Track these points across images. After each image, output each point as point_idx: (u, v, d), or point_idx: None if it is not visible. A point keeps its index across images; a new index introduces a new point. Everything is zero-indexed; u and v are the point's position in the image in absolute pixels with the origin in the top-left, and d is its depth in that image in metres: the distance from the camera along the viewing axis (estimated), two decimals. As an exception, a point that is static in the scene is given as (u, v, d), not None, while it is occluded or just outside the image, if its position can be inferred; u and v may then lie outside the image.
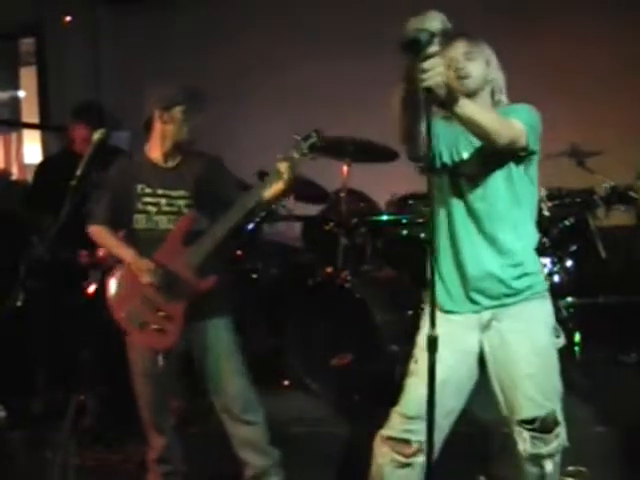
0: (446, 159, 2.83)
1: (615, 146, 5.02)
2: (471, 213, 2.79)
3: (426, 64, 2.32)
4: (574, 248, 4.98)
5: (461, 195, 2.80)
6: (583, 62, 6.08)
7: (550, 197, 4.93)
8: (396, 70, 2.47)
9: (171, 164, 3.51)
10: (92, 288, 4.37)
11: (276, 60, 6.93)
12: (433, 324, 2.39)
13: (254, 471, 3.54)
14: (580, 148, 5.06)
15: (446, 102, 2.46)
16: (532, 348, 2.76)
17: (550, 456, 2.77)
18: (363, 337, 4.48)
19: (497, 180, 2.76)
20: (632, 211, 4.90)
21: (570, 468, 3.51)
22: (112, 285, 3.54)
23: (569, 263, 4.94)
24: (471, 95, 2.76)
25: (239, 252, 5.10)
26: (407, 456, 2.83)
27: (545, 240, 4.88)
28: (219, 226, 3.36)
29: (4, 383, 4.27)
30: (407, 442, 2.82)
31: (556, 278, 4.87)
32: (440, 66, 2.35)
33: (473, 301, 2.80)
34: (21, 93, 8.00)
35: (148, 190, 3.47)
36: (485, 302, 2.80)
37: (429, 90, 2.34)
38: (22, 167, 7.93)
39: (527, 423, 2.75)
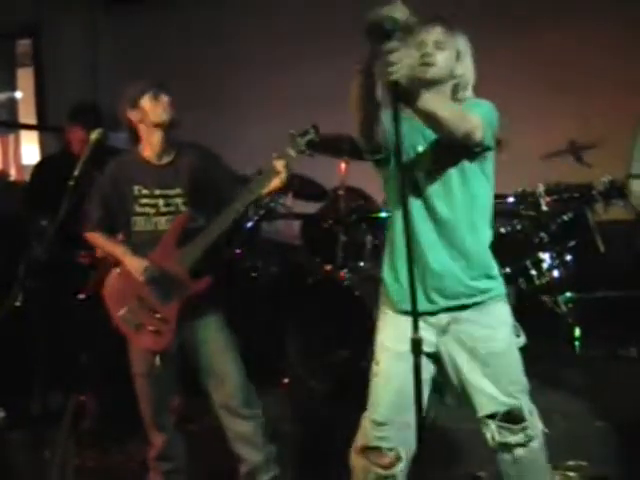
0: (404, 155, 2.68)
1: (613, 140, 5.00)
2: (428, 211, 2.73)
3: (392, 57, 2.27)
4: (573, 243, 4.98)
5: (418, 192, 2.73)
6: (581, 58, 6.08)
7: (548, 192, 4.94)
8: (357, 62, 2.44)
9: (166, 160, 3.49)
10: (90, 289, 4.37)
11: (275, 59, 6.93)
12: (416, 327, 2.35)
13: (249, 467, 3.54)
14: (578, 143, 5.05)
15: (408, 96, 2.41)
16: (490, 350, 2.73)
17: (520, 445, 2.75)
18: (362, 334, 4.48)
19: (452, 177, 2.70)
20: (630, 206, 4.90)
21: (570, 462, 3.52)
22: (108, 286, 3.54)
23: (568, 258, 4.94)
24: (430, 84, 2.68)
25: (238, 250, 5.10)
26: (386, 467, 2.78)
27: (544, 235, 4.89)
28: (213, 226, 3.36)
29: (3, 383, 4.26)
30: (380, 450, 2.78)
31: (555, 273, 4.88)
32: (406, 59, 2.30)
33: (430, 300, 2.74)
34: (18, 94, 7.99)
35: (145, 191, 3.45)
36: (442, 302, 2.74)
37: (395, 84, 2.30)
38: (20, 168, 7.92)
39: (489, 418, 2.75)
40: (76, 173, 3.33)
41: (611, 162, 5.05)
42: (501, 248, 4.71)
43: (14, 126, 8.07)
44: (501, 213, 4.99)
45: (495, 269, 2.83)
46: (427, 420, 2.81)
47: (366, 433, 2.82)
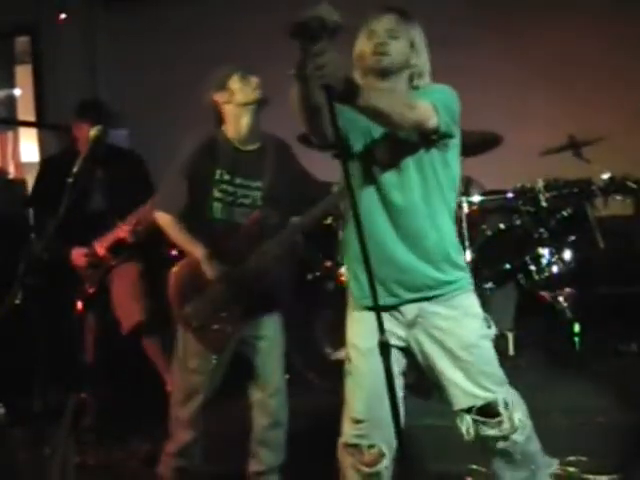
0: (359, 146, 2.72)
1: (612, 136, 5.00)
2: (386, 202, 2.68)
3: (320, 60, 2.25)
4: (572, 238, 4.97)
5: (375, 183, 2.69)
6: (580, 54, 6.07)
7: (548, 188, 4.93)
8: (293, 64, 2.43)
9: (251, 147, 3.42)
10: (92, 288, 4.37)
11: (275, 57, 6.89)
12: (381, 330, 2.33)
13: (261, 467, 3.56)
14: (577, 138, 5.05)
15: (345, 97, 2.37)
16: (460, 342, 2.69)
17: (500, 438, 2.71)
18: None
19: (409, 167, 2.66)
20: (631, 200, 4.90)
21: (571, 458, 3.52)
22: (176, 278, 3.45)
23: (568, 254, 4.93)
24: (385, 74, 2.66)
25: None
26: (368, 465, 2.77)
27: (543, 231, 4.89)
28: (288, 233, 3.35)
29: (4, 381, 4.26)
30: (359, 447, 2.77)
31: (555, 269, 4.87)
32: (335, 61, 2.28)
33: (393, 294, 2.71)
34: (17, 91, 7.98)
35: (227, 177, 3.38)
36: (405, 295, 2.71)
37: (327, 87, 2.28)
38: (18, 165, 7.91)
39: (465, 412, 2.72)
40: (75, 170, 3.33)
41: (610, 158, 5.05)
42: (500, 244, 4.78)
43: (13, 123, 8.07)
44: (500, 209, 4.99)
45: (460, 259, 2.79)
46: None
47: (346, 431, 2.82)
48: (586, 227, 4.96)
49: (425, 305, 2.72)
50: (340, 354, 4.57)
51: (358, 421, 2.78)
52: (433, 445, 3.66)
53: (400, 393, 2.74)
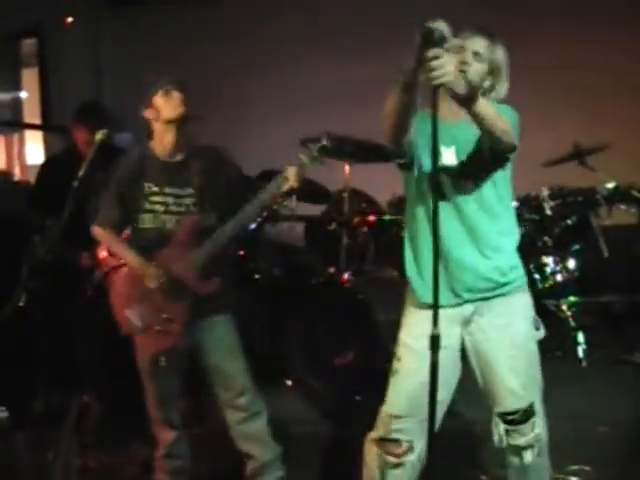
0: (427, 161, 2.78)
1: (617, 145, 5.00)
2: (453, 206, 2.79)
3: (438, 62, 2.34)
4: (577, 247, 4.97)
5: (442, 189, 2.77)
6: (584, 60, 6.07)
7: (552, 196, 4.93)
8: (397, 69, 2.47)
9: (178, 158, 3.49)
10: (92, 290, 4.37)
11: (276, 59, 6.93)
12: (435, 323, 2.39)
13: (256, 464, 3.54)
14: (582, 147, 5.05)
15: (465, 98, 2.47)
16: (512, 342, 2.79)
17: (528, 447, 2.80)
18: (365, 337, 4.47)
19: (479, 175, 2.77)
20: (635, 210, 4.89)
21: (573, 467, 3.52)
22: (115, 286, 3.56)
23: (572, 262, 4.93)
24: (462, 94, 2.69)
25: (241, 252, 5.09)
26: (398, 456, 2.85)
27: (547, 239, 4.88)
28: (223, 230, 3.36)
29: (6, 384, 4.26)
30: (397, 442, 2.84)
31: (559, 277, 4.87)
32: (449, 64, 2.38)
33: (455, 294, 2.81)
34: (23, 94, 8.01)
35: (155, 189, 3.45)
36: (467, 295, 2.81)
37: (438, 87, 2.36)
38: (24, 168, 7.94)
39: (508, 415, 2.79)
40: (80, 174, 3.34)
41: (615, 166, 5.05)
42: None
43: (18, 126, 8.09)
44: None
45: (517, 259, 2.90)
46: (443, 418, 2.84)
47: (383, 426, 2.87)
48: (590, 236, 4.96)
49: (480, 304, 2.82)
50: (342, 359, 4.58)
51: (398, 416, 2.84)
52: (443, 452, 3.66)
53: (449, 395, 2.87)
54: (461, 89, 2.43)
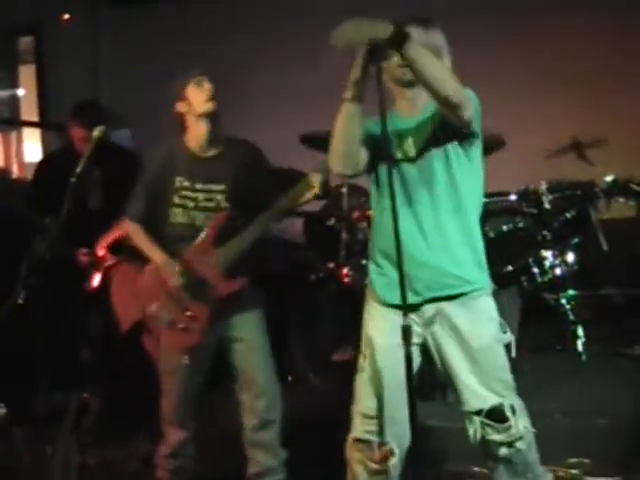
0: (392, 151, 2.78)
1: (616, 138, 5.00)
2: (410, 200, 2.75)
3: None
4: (575, 241, 4.97)
5: (402, 182, 2.76)
6: (581, 54, 6.06)
7: (551, 190, 4.92)
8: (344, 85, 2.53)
9: (212, 153, 3.46)
10: (92, 286, 4.36)
11: (277, 59, 6.92)
12: (405, 313, 2.44)
13: (259, 469, 3.54)
14: (580, 141, 5.04)
15: (395, 42, 2.50)
16: (476, 345, 2.73)
17: (505, 444, 2.74)
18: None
19: (433, 164, 2.74)
20: (634, 203, 4.89)
21: (572, 460, 3.52)
22: (140, 282, 3.54)
23: (570, 256, 4.93)
24: (412, 85, 2.76)
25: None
26: (377, 462, 2.80)
27: (546, 233, 4.88)
28: (250, 231, 3.35)
29: (6, 381, 4.27)
30: (370, 444, 2.81)
31: (558, 271, 4.87)
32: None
33: (415, 292, 2.73)
34: (20, 91, 7.99)
35: (186, 184, 3.43)
36: (427, 293, 2.75)
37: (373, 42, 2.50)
38: (22, 165, 7.92)
39: (474, 414, 2.76)
40: (78, 170, 3.33)
41: (614, 160, 5.05)
42: (503, 246, 4.76)
43: (16, 123, 8.07)
44: (503, 211, 4.97)
45: (482, 260, 2.83)
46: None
47: (356, 426, 2.85)
48: (589, 229, 4.96)
49: (443, 305, 2.76)
50: (342, 355, 4.59)
51: (370, 417, 2.81)
52: (434, 446, 3.65)
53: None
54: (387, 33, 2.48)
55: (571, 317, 4.89)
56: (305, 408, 4.33)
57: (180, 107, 3.42)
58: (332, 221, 5.11)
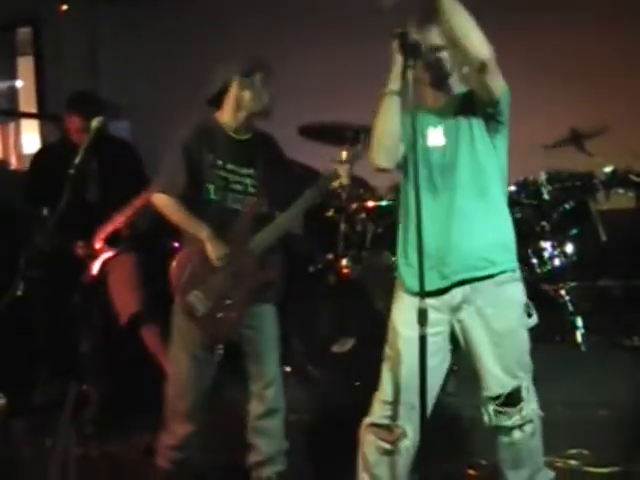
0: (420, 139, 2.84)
1: (615, 129, 4.99)
2: (435, 185, 2.81)
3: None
4: (574, 232, 4.96)
5: (431, 172, 2.82)
6: (582, 45, 6.05)
7: (550, 181, 4.92)
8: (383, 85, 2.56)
9: (244, 137, 3.46)
10: (91, 275, 4.35)
11: (275, 55, 6.88)
12: (422, 296, 2.50)
13: (261, 457, 3.55)
14: (579, 131, 5.03)
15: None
16: (500, 331, 2.80)
17: (516, 427, 2.83)
18: (364, 323, 4.48)
19: (459, 147, 2.79)
20: (633, 194, 4.88)
21: (572, 451, 3.53)
22: (178, 266, 3.41)
23: (569, 247, 4.92)
24: (439, 84, 2.83)
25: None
26: (390, 442, 2.88)
27: (545, 224, 4.88)
28: (283, 218, 3.36)
29: (5, 372, 4.26)
30: (388, 428, 2.88)
31: (557, 262, 4.87)
32: None
33: (443, 276, 2.80)
34: (18, 83, 7.98)
35: (219, 162, 3.40)
36: (454, 277, 2.80)
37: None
38: (20, 157, 7.91)
39: (492, 399, 2.83)
40: (77, 161, 3.32)
41: (613, 151, 5.04)
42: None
43: (14, 115, 8.06)
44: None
45: (509, 243, 2.89)
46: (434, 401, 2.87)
47: (375, 412, 2.92)
48: (588, 220, 4.95)
49: (470, 291, 2.81)
50: (341, 347, 4.58)
51: (389, 403, 2.87)
52: (437, 437, 3.67)
53: (440, 381, 2.92)
54: None
55: (570, 308, 4.90)
56: (303, 399, 4.33)
57: (238, 83, 3.38)
58: (331, 212, 5.10)
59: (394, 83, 2.74)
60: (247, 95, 3.38)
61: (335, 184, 3.38)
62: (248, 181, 3.42)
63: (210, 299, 3.35)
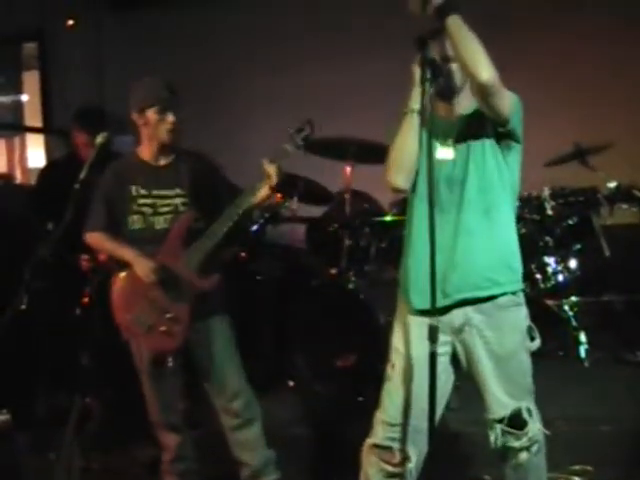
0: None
1: (619, 144, 5.00)
2: (442, 201, 2.75)
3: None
4: (578, 247, 4.96)
5: (439, 187, 2.76)
6: (584, 60, 6.06)
7: (553, 196, 4.92)
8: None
9: (163, 162, 3.52)
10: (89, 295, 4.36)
11: (276, 61, 6.92)
12: (434, 313, 2.49)
13: (251, 470, 3.55)
14: (583, 147, 5.04)
15: (442, 11, 2.57)
16: (501, 354, 2.77)
17: (523, 449, 2.80)
18: (367, 338, 4.48)
19: (469, 164, 2.76)
20: (636, 209, 4.88)
21: (575, 467, 3.52)
22: (116, 288, 3.53)
23: (573, 262, 4.92)
24: (450, 98, 2.80)
25: (243, 254, 5.09)
26: (394, 465, 2.84)
27: (549, 239, 4.88)
28: (215, 229, 3.37)
29: (8, 386, 4.26)
30: (390, 450, 2.84)
31: (560, 277, 4.87)
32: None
33: (445, 294, 2.74)
34: (24, 97, 8.02)
35: (143, 191, 3.48)
36: (456, 295, 2.76)
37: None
38: (25, 171, 7.94)
39: (496, 422, 2.80)
40: (82, 176, 3.34)
41: (617, 166, 5.04)
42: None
43: (20, 129, 8.09)
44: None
45: (514, 264, 2.84)
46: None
47: (377, 433, 2.87)
48: (592, 236, 4.95)
49: (472, 314, 2.78)
50: (344, 361, 4.58)
51: (392, 424, 2.84)
52: (440, 452, 3.66)
53: (444, 401, 2.85)
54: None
55: (574, 323, 4.89)
56: (306, 414, 4.33)
57: (136, 118, 3.48)
58: (334, 227, 5.11)
59: (415, 102, 2.70)
60: (146, 132, 3.47)
61: (265, 186, 3.34)
62: (178, 200, 3.47)
63: (150, 315, 3.40)
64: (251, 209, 3.45)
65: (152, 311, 3.40)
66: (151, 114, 3.43)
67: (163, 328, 3.37)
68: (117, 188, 3.50)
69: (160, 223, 3.46)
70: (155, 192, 3.48)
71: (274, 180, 3.32)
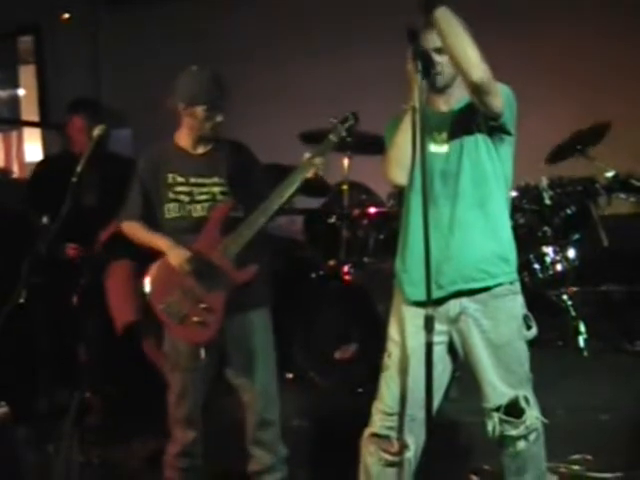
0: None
1: (617, 134, 4.99)
2: (435, 194, 2.76)
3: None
4: (576, 237, 4.97)
5: (432, 179, 2.77)
6: (582, 50, 6.06)
7: (552, 186, 4.92)
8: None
9: (202, 150, 3.49)
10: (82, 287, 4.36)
11: (275, 57, 6.92)
12: (430, 303, 2.49)
13: (260, 467, 3.54)
14: (581, 137, 5.03)
15: (429, 5, 2.54)
16: (497, 343, 2.79)
17: (521, 437, 2.82)
18: (366, 330, 4.48)
19: (463, 157, 2.77)
20: (635, 199, 4.88)
21: (575, 456, 3.52)
22: (149, 279, 3.44)
23: (571, 252, 4.93)
24: (442, 90, 2.80)
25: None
26: (393, 454, 2.86)
27: (547, 229, 4.88)
28: (256, 217, 3.31)
29: (8, 380, 4.26)
30: (388, 439, 2.87)
31: (559, 267, 4.87)
32: None
33: (439, 286, 2.75)
34: (21, 91, 8.00)
35: (180, 179, 3.44)
36: (451, 287, 2.78)
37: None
38: (22, 165, 7.93)
39: (494, 410, 2.82)
40: (79, 169, 3.34)
41: (615, 155, 5.04)
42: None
43: (16, 123, 8.08)
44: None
45: (508, 255, 2.85)
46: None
47: (375, 422, 2.90)
48: (590, 225, 4.95)
49: (467, 304, 2.80)
50: (344, 353, 4.58)
51: (389, 414, 2.86)
52: (439, 442, 3.67)
53: (441, 391, 2.88)
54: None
55: (572, 313, 4.90)
56: (305, 406, 4.33)
57: (182, 109, 3.43)
58: (333, 218, 5.10)
59: (412, 99, 2.67)
60: (190, 122, 3.44)
61: (309, 174, 3.28)
62: (216, 189, 3.43)
63: (184, 305, 3.34)
64: (292, 198, 3.41)
65: (186, 301, 3.33)
66: (199, 111, 3.39)
67: (197, 318, 3.30)
68: (153, 175, 3.46)
69: (198, 211, 3.41)
70: (193, 180, 3.43)
71: (320, 170, 3.29)
